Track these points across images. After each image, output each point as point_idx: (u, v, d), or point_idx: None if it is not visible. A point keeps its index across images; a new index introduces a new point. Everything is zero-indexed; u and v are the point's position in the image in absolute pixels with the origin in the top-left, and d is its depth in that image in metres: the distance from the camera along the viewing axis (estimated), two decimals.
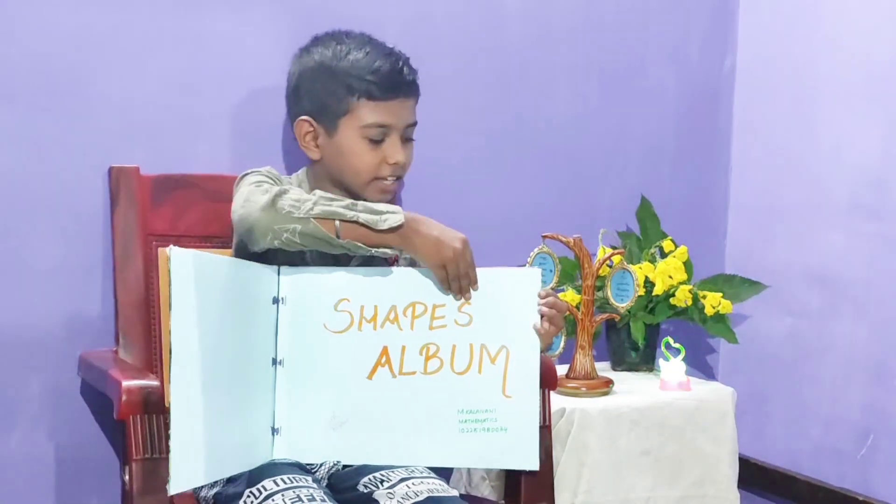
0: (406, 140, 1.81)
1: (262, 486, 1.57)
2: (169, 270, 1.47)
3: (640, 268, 2.34)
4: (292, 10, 2.16)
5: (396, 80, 1.78)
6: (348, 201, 1.64)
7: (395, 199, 2.15)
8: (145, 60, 2.05)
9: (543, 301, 1.70)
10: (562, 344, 2.23)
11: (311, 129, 1.79)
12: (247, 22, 2.14)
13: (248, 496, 1.57)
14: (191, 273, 1.50)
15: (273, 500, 1.53)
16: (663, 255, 2.41)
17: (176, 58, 2.08)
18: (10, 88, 1.96)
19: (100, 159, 2.00)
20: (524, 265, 2.20)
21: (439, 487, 1.63)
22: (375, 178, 1.77)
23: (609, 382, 2.22)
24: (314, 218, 1.59)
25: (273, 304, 1.65)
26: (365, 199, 1.74)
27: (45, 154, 1.99)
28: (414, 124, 1.83)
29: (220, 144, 2.13)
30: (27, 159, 1.98)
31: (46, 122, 1.98)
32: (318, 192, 1.64)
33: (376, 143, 1.77)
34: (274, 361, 1.65)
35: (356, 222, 1.61)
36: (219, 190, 1.94)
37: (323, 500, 1.53)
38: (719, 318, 2.37)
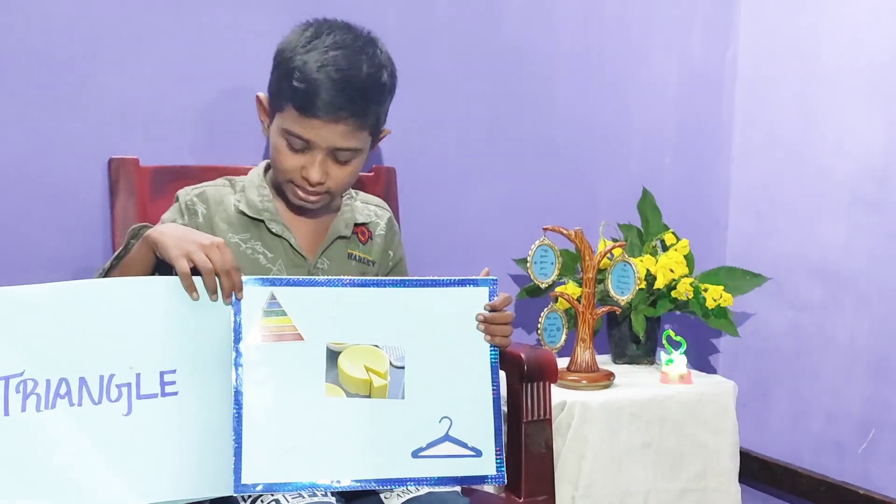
0: (337, 161, 1.68)
1: None
2: None
3: (642, 261, 2.33)
4: (292, 1, 2.14)
5: (326, 100, 1.62)
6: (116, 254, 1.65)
7: (391, 197, 2.14)
8: (145, 52, 2.04)
9: (483, 317, 1.59)
10: (563, 337, 2.22)
11: (264, 107, 1.76)
12: (246, 13, 2.13)
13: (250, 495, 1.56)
14: None
15: (275, 499, 1.53)
16: (665, 248, 2.40)
17: (175, 49, 2.07)
18: (10, 80, 1.95)
19: (99, 151, 2.00)
20: (526, 257, 2.20)
21: None
22: (292, 182, 1.70)
23: (610, 375, 2.21)
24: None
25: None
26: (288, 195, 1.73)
27: (45, 146, 1.98)
28: (350, 150, 1.67)
29: (219, 136, 2.12)
30: (27, 151, 1.97)
31: (46, 114, 1.97)
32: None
33: (298, 151, 1.67)
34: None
35: (105, 271, 1.63)
36: None
37: (325, 495, 1.53)
38: (720, 311, 2.36)
